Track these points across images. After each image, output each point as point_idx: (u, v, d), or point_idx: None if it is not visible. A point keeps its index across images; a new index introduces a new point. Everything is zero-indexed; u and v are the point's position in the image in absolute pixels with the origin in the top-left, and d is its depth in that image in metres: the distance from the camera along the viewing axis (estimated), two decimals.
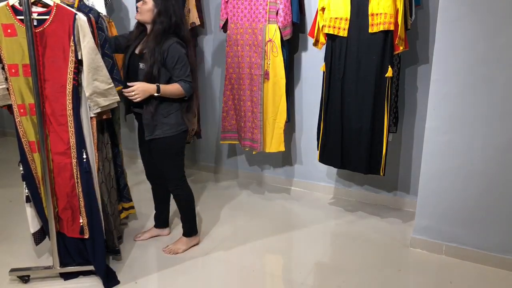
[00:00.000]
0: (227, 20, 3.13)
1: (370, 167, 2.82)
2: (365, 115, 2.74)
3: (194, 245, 2.66)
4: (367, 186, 3.28)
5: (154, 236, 2.79)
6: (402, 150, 3.10)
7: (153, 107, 2.30)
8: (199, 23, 3.34)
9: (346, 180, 3.36)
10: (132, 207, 2.83)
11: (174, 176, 2.51)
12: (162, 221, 2.82)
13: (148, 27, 2.35)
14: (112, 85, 2.13)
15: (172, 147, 2.42)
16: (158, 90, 2.25)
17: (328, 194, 3.42)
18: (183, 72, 2.29)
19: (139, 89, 2.22)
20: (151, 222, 2.99)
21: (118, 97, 2.16)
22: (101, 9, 3.37)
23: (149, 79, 2.26)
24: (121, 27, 3.88)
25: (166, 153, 2.43)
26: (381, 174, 2.79)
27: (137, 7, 2.35)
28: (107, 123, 2.42)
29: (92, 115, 2.20)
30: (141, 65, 2.30)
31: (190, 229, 2.63)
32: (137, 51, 2.36)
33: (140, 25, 2.41)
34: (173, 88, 2.29)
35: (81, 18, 2.05)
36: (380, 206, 3.21)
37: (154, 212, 2.82)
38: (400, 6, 2.53)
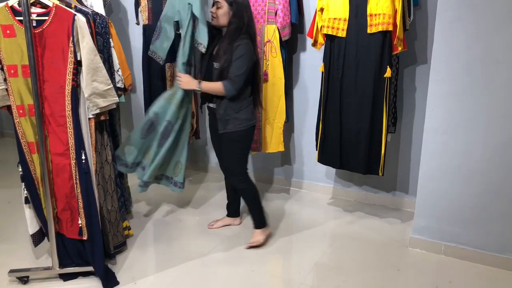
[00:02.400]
0: None
1: (369, 168, 2.83)
2: (364, 115, 2.75)
3: (269, 235, 2.76)
4: (366, 186, 3.29)
5: (226, 225, 2.93)
6: (401, 150, 3.11)
7: (224, 103, 2.46)
8: None
9: (345, 180, 3.37)
10: (128, 228, 2.77)
11: (238, 170, 2.62)
12: (233, 210, 2.95)
13: (224, 30, 2.49)
14: (111, 86, 2.13)
15: (242, 141, 2.56)
16: (199, 86, 2.44)
17: (327, 194, 3.42)
18: (235, 71, 2.39)
19: (183, 81, 2.46)
20: (152, 224, 2.99)
21: (117, 98, 2.16)
22: (100, 9, 3.37)
23: (220, 77, 2.41)
24: (120, 28, 3.89)
25: (235, 147, 2.56)
26: (380, 174, 2.80)
27: (212, 13, 2.45)
28: (107, 124, 2.43)
29: (91, 116, 2.20)
30: (215, 65, 2.45)
31: (260, 222, 2.70)
32: (214, 52, 2.51)
33: (214, 29, 2.52)
34: (215, 86, 2.43)
35: (80, 19, 2.05)
36: (379, 206, 3.22)
37: (226, 202, 2.97)
38: (399, 7, 2.54)
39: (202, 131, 3.80)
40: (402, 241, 2.73)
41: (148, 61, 3.46)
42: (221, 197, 3.39)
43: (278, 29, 2.95)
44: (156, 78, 3.45)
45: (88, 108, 2.16)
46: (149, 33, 3.39)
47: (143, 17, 3.40)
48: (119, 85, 2.50)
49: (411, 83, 2.97)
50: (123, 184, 2.91)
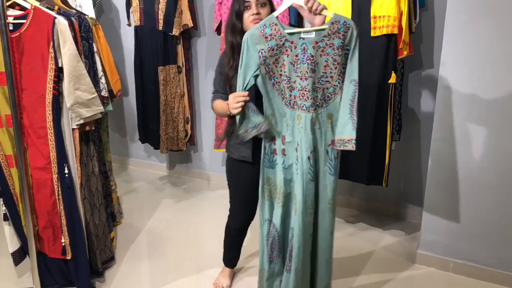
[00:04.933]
0: (221, 22, 2.97)
1: (372, 178, 2.67)
2: (367, 123, 2.59)
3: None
4: (369, 196, 3.14)
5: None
6: (405, 159, 2.96)
7: None
8: (192, 25, 3.18)
9: (347, 189, 3.21)
10: (112, 239, 2.56)
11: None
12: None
13: None
14: (96, 94, 1.97)
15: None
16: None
17: None
18: None
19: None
20: (143, 235, 2.83)
21: (102, 107, 2.01)
22: (89, 10, 3.22)
23: None
24: (111, 29, 3.73)
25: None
26: (383, 185, 2.65)
27: (254, 17, 1.76)
28: (93, 133, 2.27)
29: (74, 127, 2.04)
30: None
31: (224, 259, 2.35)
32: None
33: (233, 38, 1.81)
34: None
35: (61, 22, 1.89)
36: (382, 217, 3.07)
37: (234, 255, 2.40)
38: (405, 8, 2.38)
39: (198, 137, 3.65)
40: (408, 256, 2.58)
41: (140, 63, 3.31)
42: (216, 207, 3.23)
43: None
44: (148, 82, 3.29)
45: (71, 118, 2.00)
46: (141, 34, 3.24)
47: (135, 18, 3.24)
48: (103, 93, 2.33)
49: (416, 88, 2.82)
50: (111, 194, 2.76)
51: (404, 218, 3.03)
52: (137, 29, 3.25)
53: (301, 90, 1.63)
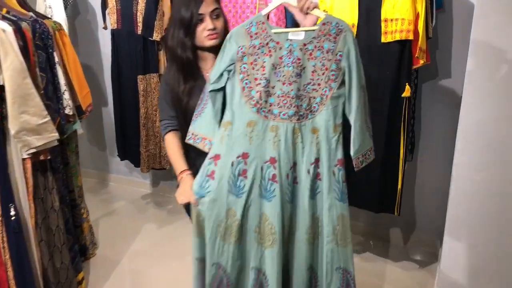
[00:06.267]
0: None
1: (382, 205, 2.33)
2: (377, 142, 2.23)
3: None
4: (377, 220, 2.78)
5: None
6: (418, 180, 2.61)
7: None
8: None
9: (352, 211, 2.85)
10: (80, 281, 2.21)
11: None
12: None
13: (205, 55, 1.60)
14: (48, 118, 1.61)
15: None
16: None
17: None
18: None
19: None
20: (119, 271, 2.47)
21: (56, 134, 1.64)
22: (59, 11, 2.86)
23: None
24: (88, 32, 3.36)
25: None
26: (396, 213, 2.30)
27: (210, 32, 1.52)
28: (55, 159, 1.90)
29: (25, 156, 1.67)
30: None
31: None
32: None
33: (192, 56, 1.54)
34: None
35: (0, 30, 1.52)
36: (392, 245, 2.72)
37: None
38: (422, 10, 2.03)
39: None
40: None
41: (117, 72, 2.94)
42: None
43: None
44: (127, 92, 2.92)
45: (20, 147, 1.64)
46: (118, 38, 2.87)
47: (111, 21, 2.86)
48: (67, 111, 1.97)
49: (431, 101, 2.47)
50: (81, 225, 2.39)
51: (418, 246, 2.68)
52: (114, 33, 2.88)
53: (282, 96, 1.40)
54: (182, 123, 1.58)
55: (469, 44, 1.87)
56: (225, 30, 1.57)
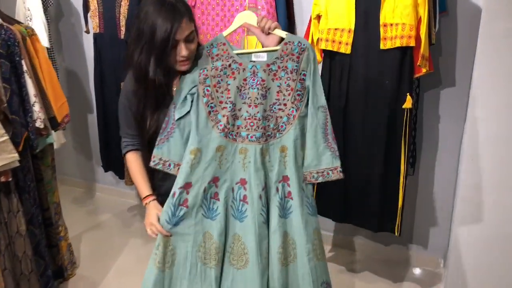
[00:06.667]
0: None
1: (382, 224, 2.17)
2: (376, 157, 2.08)
3: None
4: (376, 236, 2.61)
5: None
6: (419, 195, 2.45)
7: None
8: None
9: (350, 227, 2.69)
10: None
11: None
12: None
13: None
14: (6, 137, 1.45)
15: None
16: None
17: (325, 245, 2.73)
18: None
19: None
20: None
21: (16, 154, 1.47)
22: (38, 14, 2.69)
23: None
24: (72, 36, 3.20)
25: None
26: (396, 233, 2.13)
27: (183, 58, 1.37)
28: (23, 179, 1.74)
29: None
30: None
31: None
32: None
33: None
34: None
35: None
36: (392, 263, 2.55)
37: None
38: (424, 14, 1.86)
39: None
40: None
41: (100, 78, 2.78)
42: None
43: None
44: (110, 100, 2.76)
45: None
46: (100, 43, 2.71)
47: (94, 24, 2.70)
48: (37, 124, 1.81)
49: (433, 110, 2.30)
50: (58, 244, 2.23)
51: (419, 265, 2.52)
52: (96, 37, 2.72)
53: (248, 118, 1.40)
54: (143, 143, 1.48)
55: (476, 51, 1.71)
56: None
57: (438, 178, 2.37)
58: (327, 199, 2.24)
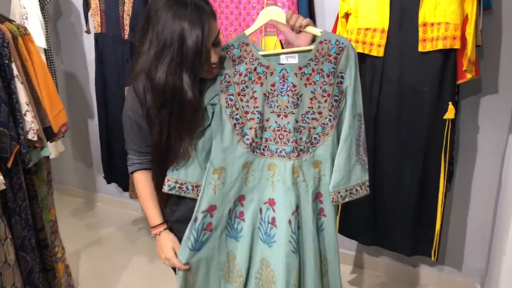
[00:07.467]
0: None
1: (416, 247, 1.94)
2: (412, 172, 1.85)
3: None
4: (403, 256, 2.38)
5: None
6: (455, 213, 2.22)
7: None
8: None
9: (372, 246, 2.46)
10: None
11: None
12: None
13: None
14: None
15: None
16: None
17: (347, 265, 2.51)
18: None
19: None
20: None
21: (1, 177, 1.24)
22: (35, 13, 2.47)
23: None
24: (71, 36, 2.99)
25: None
26: (433, 258, 1.91)
27: (213, 65, 1.19)
28: (14, 200, 1.52)
29: None
30: None
31: None
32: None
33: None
34: None
35: None
36: (420, 286, 2.32)
37: None
38: (472, 11, 1.63)
39: None
40: None
41: (102, 82, 2.57)
42: None
43: (281, 43, 2.04)
44: (113, 105, 2.54)
45: None
46: (102, 44, 2.49)
47: (95, 23, 2.49)
48: (30, 136, 1.59)
49: (472, 120, 2.07)
50: (54, 267, 2.01)
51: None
52: (97, 38, 2.50)
53: (278, 130, 1.24)
54: (154, 160, 1.27)
55: None
56: None
57: (475, 193, 2.14)
58: (355, 220, 2.03)
